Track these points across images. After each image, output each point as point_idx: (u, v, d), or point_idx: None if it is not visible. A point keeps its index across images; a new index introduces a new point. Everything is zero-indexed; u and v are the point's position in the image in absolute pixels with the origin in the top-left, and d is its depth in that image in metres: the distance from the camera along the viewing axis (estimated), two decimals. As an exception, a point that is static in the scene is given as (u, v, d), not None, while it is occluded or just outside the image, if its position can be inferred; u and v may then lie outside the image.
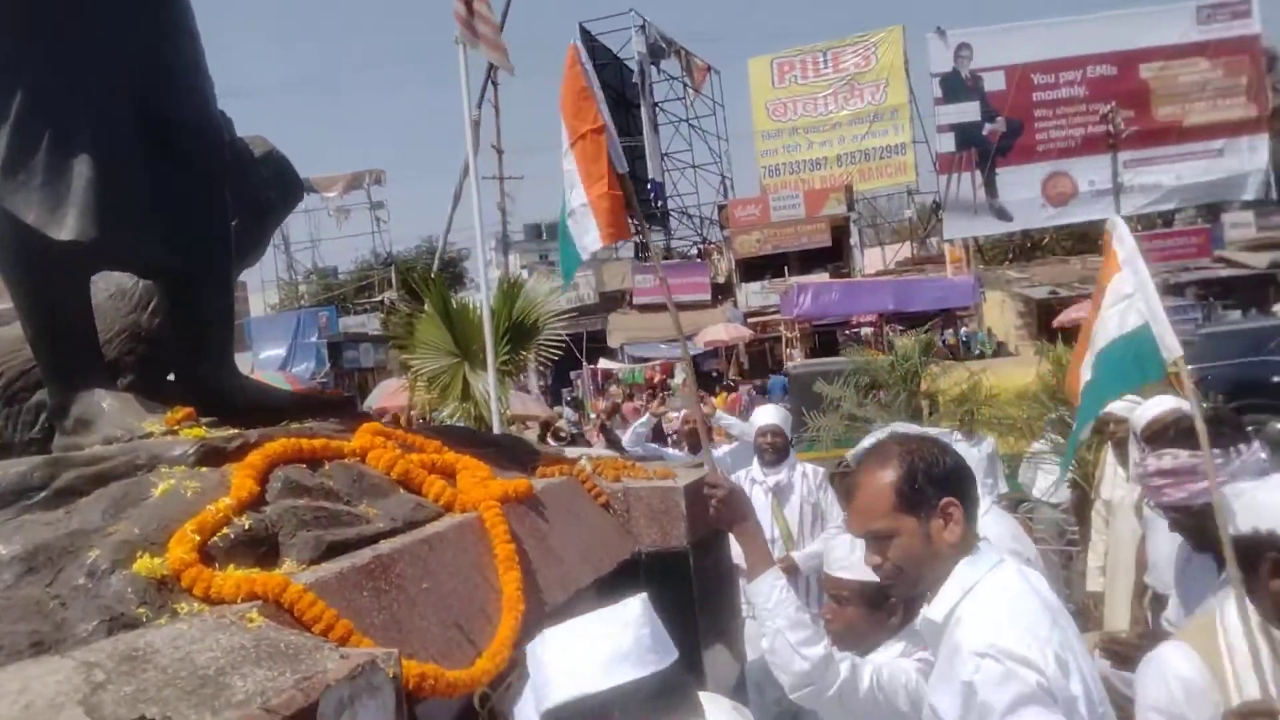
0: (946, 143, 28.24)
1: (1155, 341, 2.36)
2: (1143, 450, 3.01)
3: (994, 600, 1.79)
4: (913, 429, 3.30)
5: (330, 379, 22.52)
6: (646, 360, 25.92)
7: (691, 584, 2.91)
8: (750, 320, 27.21)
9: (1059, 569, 5.59)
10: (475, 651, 2.08)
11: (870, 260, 31.31)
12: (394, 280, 32.61)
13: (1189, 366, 2.52)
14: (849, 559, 2.33)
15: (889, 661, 2.17)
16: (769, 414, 5.41)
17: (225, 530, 1.93)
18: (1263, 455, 2.35)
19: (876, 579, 2.01)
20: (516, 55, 7.59)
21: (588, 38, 30.21)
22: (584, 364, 24.29)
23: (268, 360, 23.38)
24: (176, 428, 2.33)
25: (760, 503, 4.78)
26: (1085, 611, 4.73)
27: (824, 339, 22.93)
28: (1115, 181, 25.52)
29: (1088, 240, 30.98)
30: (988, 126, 27.97)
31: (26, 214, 2.28)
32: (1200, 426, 2.23)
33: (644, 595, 1.72)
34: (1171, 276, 23.47)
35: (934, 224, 30.96)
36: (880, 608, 2.30)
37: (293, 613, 1.75)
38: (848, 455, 3.95)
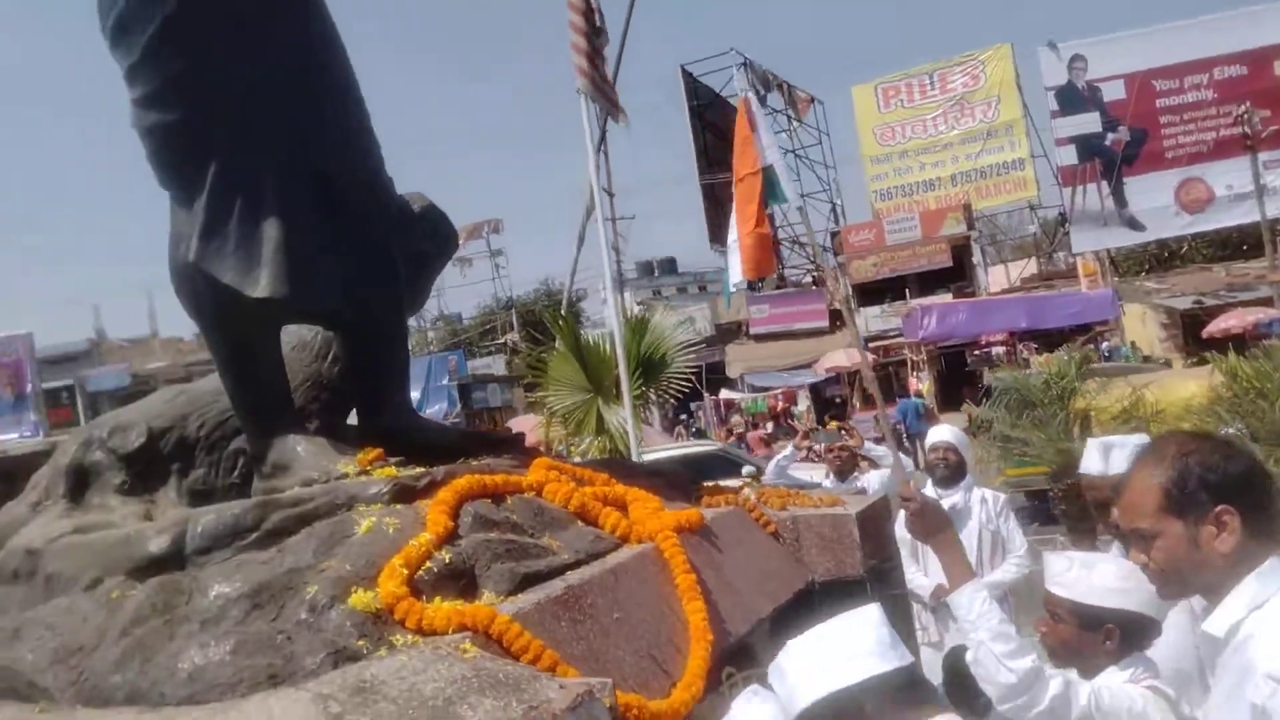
0: (1068, 155, 27.25)
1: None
2: None
3: None
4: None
5: (463, 419, 23.11)
6: (767, 389, 25.71)
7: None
8: (871, 345, 26.69)
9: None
10: (670, 681, 2.07)
11: (994, 278, 30.34)
12: (515, 322, 33.49)
13: None
14: (1065, 576, 2.29)
15: (1113, 685, 2.07)
16: (943, 431, 5.08)
17: (428, 564, 1.99)
18: None
19: (1089, 601, 1.92)
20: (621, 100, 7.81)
21: (690, 79, 30.47)
22: (704, 395, 24.25)
23: (404, 404, 24.08)
24: (369, 468, 2.42)
25: None
26: None
27: (951, 361, 22.31)
28: (1257, 183, 24.04)
29: (1229, 246, 29.29)
30: (1111, 136, 26.87)
31: (224, 275, 2.44)
32: None
33: (877, 603, 1.79)
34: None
35: (1060, 238, 29.83)
36: (1095, 630, 2.21)
37: (501, 643, 1.79)
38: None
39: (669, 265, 49.44)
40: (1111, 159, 26.93)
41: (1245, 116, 24.80)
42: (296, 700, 1.57)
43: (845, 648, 1.67)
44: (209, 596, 1.93)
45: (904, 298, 27.49)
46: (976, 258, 29.47)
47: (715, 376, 26.15)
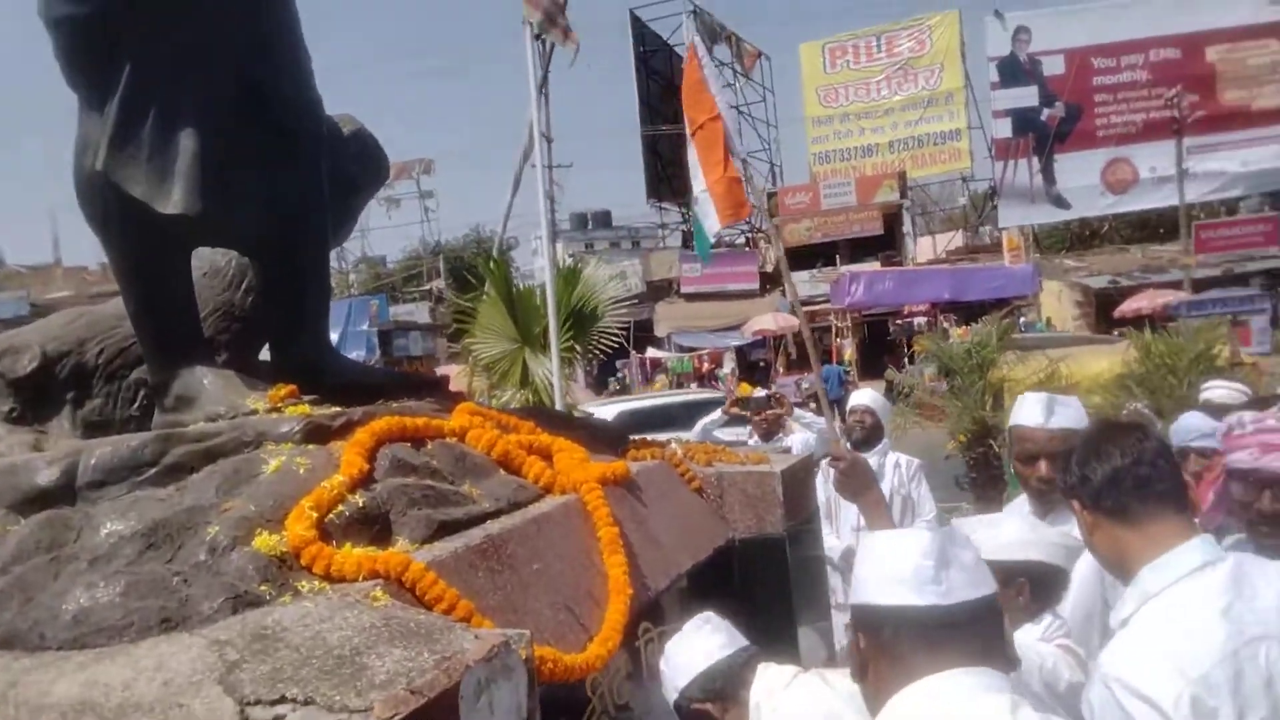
0: (1003, 128, 27.74)
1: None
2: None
3: (1157, 619, 1.66)
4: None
5: (381, 366, 22.74)
6: (694, 349, 25.81)
7: (789, 572, 2.84)
8: (799, 309, 26.94)
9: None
10: (586, 636, 2.03)
11: (921, 249, 30.87)
12: (442, 269, 32.89)
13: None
14: (973, 536, 2.23)
15: (1025, 642, 2.09)
16: (863, 395, 5.21)
17: (340, 508, 1.89)
18: None
19: (998, 557, 1.93)
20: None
21: (637, 24, 30.04)
22: (631, 352, 24.25)
23: (320, 347, 23.60)
24: (280, 405, 2.30)
25: None
26: None
27: (875, 329, 22.67)
28: (1179, 168, 24.81)
29: (1148, 228, 30.25)
30: (1046, 111, 27.40)
31: (134, 188, 2.26)
32: None
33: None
34: (1236, 266, 22.85)
35: (988, 211, 30.42)
36: (1007, 586, 2.21)
37: (414, 592, 1.71)
38: None
39: (603, 218, 49.06)
40: (1045, 134, 27.46)
41: (1175, 100, 25.49)
42: (190, 646, 1.47)
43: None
44: (100, 534, 1.81)
45: (834, 263, 27.78)
46: (907, 227, 29.92)
47: (643, 334, 26.15)
